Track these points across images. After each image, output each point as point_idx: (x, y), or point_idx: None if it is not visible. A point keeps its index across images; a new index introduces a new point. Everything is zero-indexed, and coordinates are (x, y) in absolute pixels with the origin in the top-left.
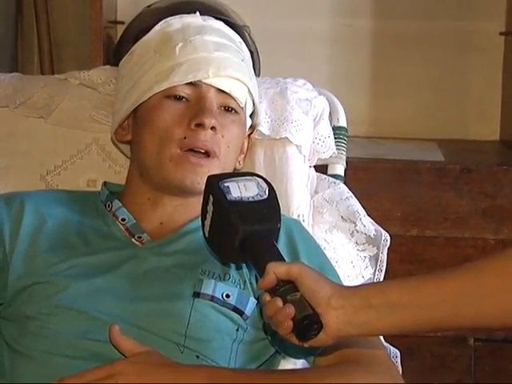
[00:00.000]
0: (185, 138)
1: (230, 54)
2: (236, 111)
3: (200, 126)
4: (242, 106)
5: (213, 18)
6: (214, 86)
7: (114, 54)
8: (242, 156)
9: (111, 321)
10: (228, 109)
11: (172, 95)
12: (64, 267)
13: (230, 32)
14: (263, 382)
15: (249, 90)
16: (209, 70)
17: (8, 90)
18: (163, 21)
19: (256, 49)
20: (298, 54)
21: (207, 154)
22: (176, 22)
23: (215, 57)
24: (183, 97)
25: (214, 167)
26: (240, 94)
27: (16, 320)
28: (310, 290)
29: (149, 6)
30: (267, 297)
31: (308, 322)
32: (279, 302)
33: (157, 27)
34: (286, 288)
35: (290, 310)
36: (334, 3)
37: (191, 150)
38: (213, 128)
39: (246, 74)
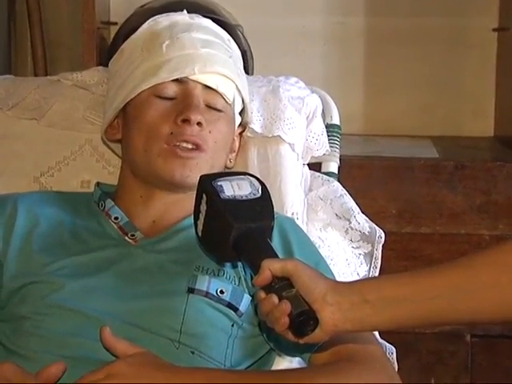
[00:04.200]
0: (171, 133)
1: (217, 50)
2: (223, 107)
3: (186, 121)
4: (230, 102)
5: (200, 16)
6: (200, 83)
7: (108, 54)
8: (234, 154)
9: (106, 319)
10: (215, 105)
11: (159, 95)
12: (58, 266)
13: (218, 29)
14: (260, 382)
15: (237, 86)
16: (195, 67)
17: (0, 92)
18: (151, 19)
19: (249, 48)
20: (292, 53)
21: (195, 149)
22: (163, 20)
23: (202, 53)
24: (171, 96)
25: (203, 161)
26: (227, 90)
27: (11, 320)
28: (306, 287)
29: (142, 7)
30: (262, 294)
31: (304, 318)
32: (275, 299)
33: (145, 25)
34: (282, 285)
35: (286, 306)
36: (327, 1)
37: (178, 145)
38: (199, 124)
39: (234, 70)
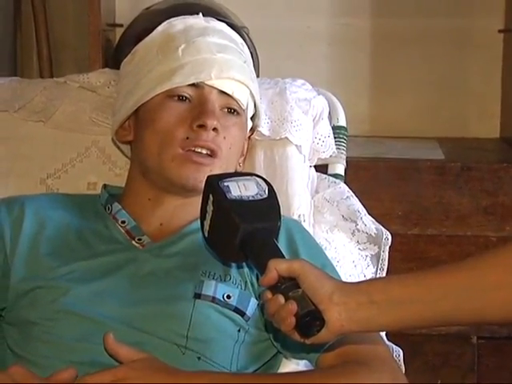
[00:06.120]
0: (187, 138)
1: (232, 55)
2: (238, 113)
3: (202, 127)
4: (244, 107)
5: (215, 20)
6: (216, 88)
7: (113, 56)
8: (242, 158)
9: (113, 324)
10: (230, 110)
11: (174, 95)
12: (65, 271)
13: (232, 33)
14: None
15: (250, 91)
16: (211, 72)
17: (7, 94)
18: (166, 22)
19: (255, 50)
20: (297, 54)
21: (209, 155)
22: (179, 23)
23: (218, 58)
24: (186, 97)
25: (216, 167)
26: (242, 96)
27: (19, 325)
28: (312, 287)
29: (147, 9)
30: (269, 294)
31: (310, 318)
32: (281, 299)
33: (159, 28)
34: (288, 285)
35: (293, 306)
36: (332, 2)
37: (193, 150)
38: (215, 129)
39: (248, 75)
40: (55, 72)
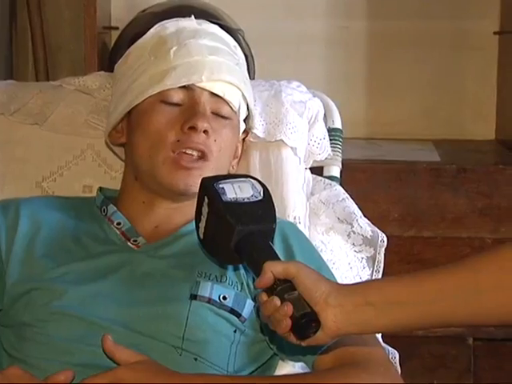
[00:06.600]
0: (178, 140)
1: (224, 57)
2: (229, 115)
3: (193, 129)
4: (236, 110)
5: (208, 22)
6: (207, 90)
7: (109, 59)
8: (236, 160)
9: (108, 325)
10: (221, 113)
11: (166, 101)
12: (60, 272)
13: (224, 36)
14: None
15: (243, 94)
16: (202, 74)
17: (3, 97)
18: (158, 24)
19: (250, 52)
20: (293, 57)
21: (200, 157)
22: (171, 25)
23: (209, 60)
24: (177, 103)
25: (207, 170)
26: (233, 98)
27: (14, 326)
28: (308, 289)
29: (143, 11)
30: (264, 296)
31: (306, 320)
32: (277, 301)
33: (152, 30)
34: (284, 287)
35: (288, 308)
36: (329, 5)
37: (184, 152)
38: (205, 131)
39: (240, 78)
40: (51, 75)
